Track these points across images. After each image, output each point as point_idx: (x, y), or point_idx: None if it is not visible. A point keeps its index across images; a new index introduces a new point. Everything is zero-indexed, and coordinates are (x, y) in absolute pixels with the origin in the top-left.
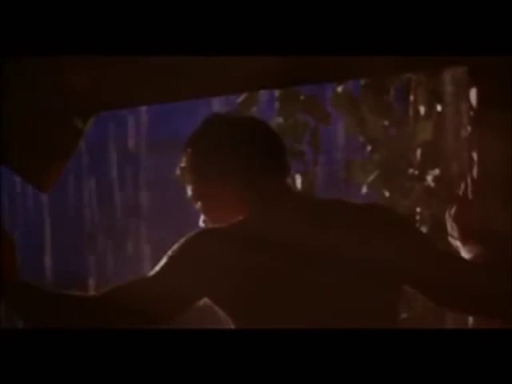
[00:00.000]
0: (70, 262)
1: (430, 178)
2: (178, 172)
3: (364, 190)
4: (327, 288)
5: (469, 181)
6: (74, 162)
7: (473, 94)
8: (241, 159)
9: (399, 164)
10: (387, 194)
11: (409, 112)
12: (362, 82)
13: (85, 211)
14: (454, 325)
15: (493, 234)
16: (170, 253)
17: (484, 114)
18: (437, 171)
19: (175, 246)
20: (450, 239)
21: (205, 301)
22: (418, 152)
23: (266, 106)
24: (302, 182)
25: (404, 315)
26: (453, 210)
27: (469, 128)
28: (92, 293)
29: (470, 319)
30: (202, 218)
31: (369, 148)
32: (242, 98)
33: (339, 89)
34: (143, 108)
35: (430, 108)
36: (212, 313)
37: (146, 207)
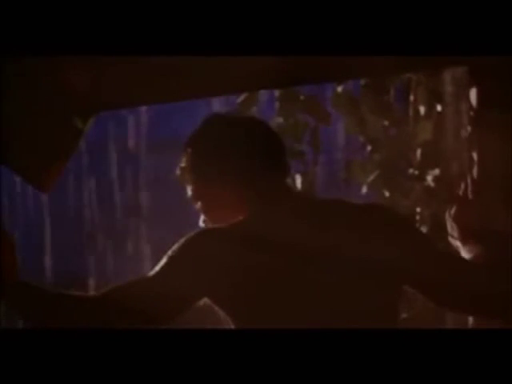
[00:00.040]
0: (69, 261)
1: (429, 178)
2: (178, 172)
3: (364, 190)
4: (327, 288)
5: (469, 181)
6: (73, 162)
7: (473, 94)
8: (241, 159)
9: (399, 164)
10: (387, 194)
11: (409, 112)
12: (362, 82)
13: (85, 211)
14: (454, 325)
15: (493, 233)
16: (169, 253)
17: (484, 114)
18: (437, 171)
19: (175, 246)
20: (450, 239)
21: (205, 301)
22: (418, 152)
23: (266, 105)
24: (302, 182)
25: (404, 315)
26: (453, 210)
27: (469, 128)
28: (92, 293)
29: (470, 319)
30: (201, 217)
31: (369, 148)
32: (241, 98)
33: (339, 89)
34: (143, 108)
35: (430, 108)
36: (212, 313)
37: (146, 207)
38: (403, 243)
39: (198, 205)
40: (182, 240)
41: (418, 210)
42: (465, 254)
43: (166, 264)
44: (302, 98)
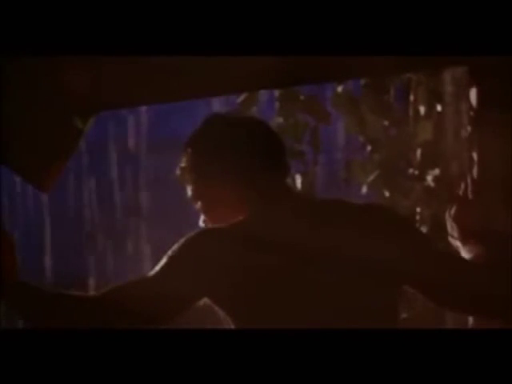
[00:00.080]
0: (69, 261)
1: (430, 178)
2: (178, 172)
3: (364, 189)
4: (327, 288)
5: (469, 181)
6: (74, 162)
7: (473, 94)
8: (241, 159)
9: (399, 164)
10: (387, 194)
11: (409, 112)
12: (362, 81)
13: (85, 211)
14: (454, 325)
15: (493, 233)
16: (169, 253)
17: (484, 114)
18: (437, 171)
19: (175, 246)
20: (450, 239)
21: (205, 301)
22: (418, 152)
23: (266, 105)
24: (302, 182)
25: (404, 315)
26: (453, 210)
27: (469, 128)
28: (92, 293)
29: (470, 319)
30: (201, 217)
31: (369, 148)
32: (242, 98)
33: (339, 89)
34: (143, 108)
35: (430, 108)
36: (212, 313)
37: (146, 207)
38: (403, 243)
39: (198, 205)
40: (182, 240)
41: (418, 210)
42: (465, 254)
43: (166, 264)
44: (302, 97)
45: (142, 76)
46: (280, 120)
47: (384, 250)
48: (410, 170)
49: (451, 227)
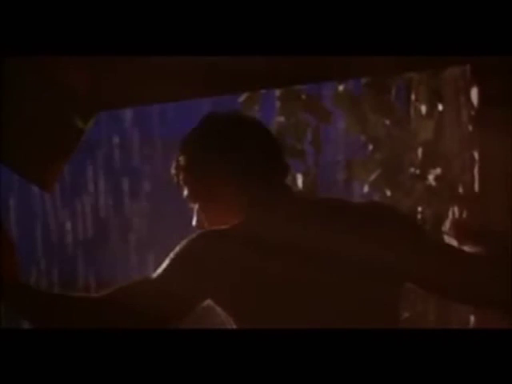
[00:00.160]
0: (69, 262)
1: (431, 177)
2: (173, 171)
3: (365, 189)
4: (328, 288)
5: (470, 180)
6: (74, 162)
7: (474, 93)
8: (239, 159)
9: (401, 163)
10: (389, 193)
11: (410, 111)
12: (364, 81)
13: (85, 211)
14: (456, 325)
15: (493, 233)
16: (171, 255)
17: (485, 114)
18: (438, 170)
19: (177, 248)
20: (450, 239)
21: (207, 302)
22: (420, 151)
23: (268, 105)
24: (303, 182)
25: (406, 315)
26: (453, 210)
27: (470, 127)
28: (93, 294)
29: (472, 319)
30: (194, 218)
31: (370, 147)
32: (243, 97)
33: (340, 88)
34: (143, 108)
35: (432, 107)
36: (214, 314)
37: (147, 207)
38: (404, 241)
39: (196, 205)
40: (184, 242)
41: (420, 209)
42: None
43: (169, 266)
44: (303, 97)
45: (142, 76)
46: (281, 119)
47: (385, 248)
48: (412, 169)
49: (451, 227)
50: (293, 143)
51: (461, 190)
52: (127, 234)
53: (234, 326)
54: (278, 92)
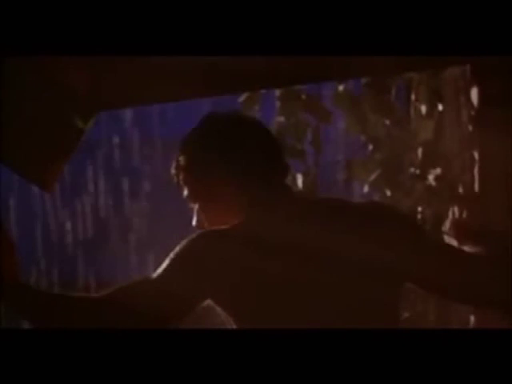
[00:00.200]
0: (69, 262)
1: (431, 177)
2: (172, 171)
3: (365, 189)
4: (328, 288)
5: (470, 180)
6: (74, 162)
7: (474, 93)
8: (239, 159)
9: (401, 163)
10: (389, 193)
11: (410, 111)
12: (364, 81)
13: (85, 211)
14: (456, 325)
15: (493, 233)
16: (171, 255)
17: (485, 114)
18: (438, 170)
19: (177, 248)
20: (450, 239)
21: (207, 302)
22: (420, 151)
23: (268, 105)
24: (303, 182)
25: (406, 314)
26: (453, 210)
27: (470, 127)
28: (93, 294)
29: (472, 319)
30: (194, 218)
31: (370, 147)
32: (243, 97)
33: (340, 88)
34: (143, 108)
35: (432, 107)
36: (214, 313)
37: (147, 207)
38: (404, 241)
39: (196, 205)
40: (184, 242)
41: (420, 209)
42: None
43: (169, 266)
44: (303, 97)
45: (142, 76)
46: (281, 119)
47: (385, 248)
48: (412, 169)
49: (451, 227)
50: (293, 143)
51: (461, 190)
52: (127, 234)
53: (234, 326)
54: (277, 92)
